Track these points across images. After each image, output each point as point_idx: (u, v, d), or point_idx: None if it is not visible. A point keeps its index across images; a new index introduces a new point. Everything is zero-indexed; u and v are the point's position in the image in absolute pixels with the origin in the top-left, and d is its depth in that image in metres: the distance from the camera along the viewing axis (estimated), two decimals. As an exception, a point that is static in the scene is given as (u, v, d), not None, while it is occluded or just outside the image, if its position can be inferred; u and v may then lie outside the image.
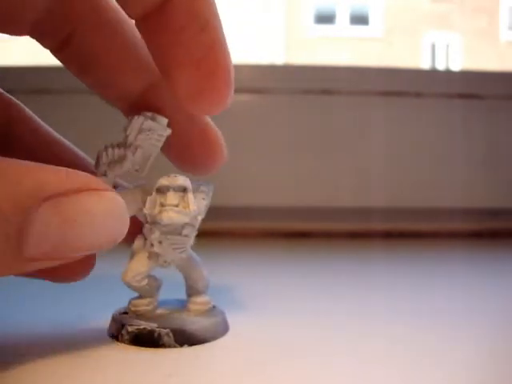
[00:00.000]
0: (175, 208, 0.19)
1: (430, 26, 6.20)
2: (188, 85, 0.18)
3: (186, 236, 0.19)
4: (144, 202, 0.19)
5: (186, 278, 0.21)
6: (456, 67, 5.85)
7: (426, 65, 6.16)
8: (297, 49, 6.06)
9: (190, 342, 0.19)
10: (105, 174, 0.19)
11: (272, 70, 0.48)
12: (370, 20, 6.33)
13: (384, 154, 0.45)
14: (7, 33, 0.19)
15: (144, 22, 0.18)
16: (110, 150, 0.19)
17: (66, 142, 0.22)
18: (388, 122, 0.45)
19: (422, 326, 0.22)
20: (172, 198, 0.19)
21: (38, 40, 0.20)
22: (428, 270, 0.34)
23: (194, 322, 0.20)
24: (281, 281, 0.30)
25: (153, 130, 0.19)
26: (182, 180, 0.19)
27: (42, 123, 0.22)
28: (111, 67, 0.20)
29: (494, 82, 0.46)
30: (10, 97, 0.21)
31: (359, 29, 6.29)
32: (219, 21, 0.18)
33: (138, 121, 0.19)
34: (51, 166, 0.15)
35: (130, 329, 0.19)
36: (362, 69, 0.47)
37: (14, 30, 0.19)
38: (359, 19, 6.34)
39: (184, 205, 0.19)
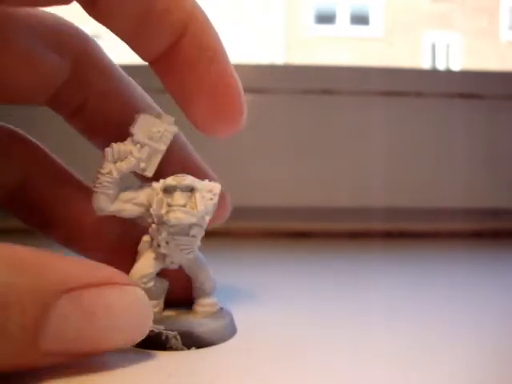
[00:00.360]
0: (182, 208, 0.18)
1: (431, 25, 6.20)
2: (204, 112, 0.19)
3: (193, 236, 0.19)
4: (150, 203, 0.19)
5: (193, 280, 0.21)
6: (456, 67, 5.85)
7: (426, 65, 6.17)
8: (297, 49, 6.06)
9: (197, 345, 0.19)
10: (110, 173, 0.19)
11: (272, 69, 0.48)
12: (371, 20, 6.33)
13: (384, 153, 0.45)
14: (25, 103, 0.21)
15: (157, 63, 0.19)
16: (115, 147, 0.19)
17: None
18: (388, 121, 0.45)
19: (422, 326, 0.22)
20: (179, 198, 0.19)
21: (54, 109, 0.21)
22: (428, 269, 0.34)
23: (201, 325, 0.19)
24: (281, 281, 0.30)
25: (159, 129, 0.19)
26: (190, 180, 0.19)
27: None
28: (120, 127, 0.20)
29: (494, 82, 0.46)
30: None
31: (359, 29, 6.29)
32: (225, 50, 0.19)
33: (143, 119, 0.19)
34: (73, 257, 0.16)
35: None
36: (363, 69, 0.47)
37: (34, 101, 0.21)
38: (359, 19, 6.34)
39: (191, 205, 0.19)
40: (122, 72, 0.21)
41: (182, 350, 0.19)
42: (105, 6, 0.17)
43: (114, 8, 0.18)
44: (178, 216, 0.18)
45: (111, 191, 0.19)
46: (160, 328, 0.19)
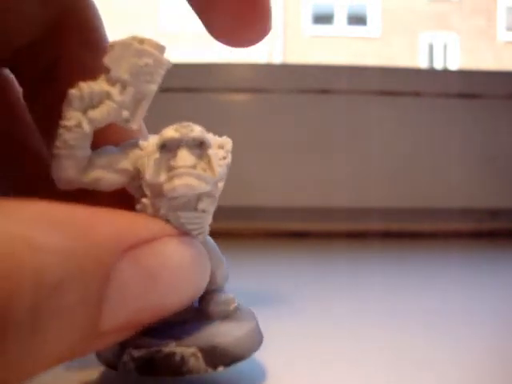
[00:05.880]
0: (193, 171, 0.13)
1: (428, 26, 6.22)
2: (225, 20, 0.16)
3: (203, 211, 0.14)
4: (138, 168, 0.14)
5: None
6: (453, 67, 5.87)
7: (423, 65, 6.18)
8: (295, 48, 6.07)
9: (224, 363, 0.14)
10: (79, 126, 0.13)
11: (270, 69, 0.48)
12: (368, 20, 6.35)
13: (383, 153, 0.45)
14: None
15: None
16: (85, 87, 0.13)
17: None
18: (386, 121, 0.45)
19: (422, 326, 0.22)
20: (186, 157, 0.13)
21: (13, 72, 0.18)
22: (427, 270, 0.34)
23: (223, 333, 0.14)
24: (281, 280, 0.30)
25: (147, 60, 0.13)
26: (199, 131, 0.13)
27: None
28: None
29: (493, 82, 0.46)
30: None
31: (357, 29, 6.30)
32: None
33: (123, 46, 0.13)
34: (120, 210, 0.12)
35: (136, 353, 0.14)
36: (361, 68, 0.47)
37: None
38: (357, 19, 6.35)
39: (203, 166, 0.13)
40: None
41: (205, 371, 0.13)
42: None
43: None
44: (188, 182, 0.13)
45: (81, 153, 0.13)
46: (170, 345, 0.14)
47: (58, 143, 0.13)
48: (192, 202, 0.14)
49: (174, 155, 0.13)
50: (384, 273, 0.32)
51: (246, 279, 0.29)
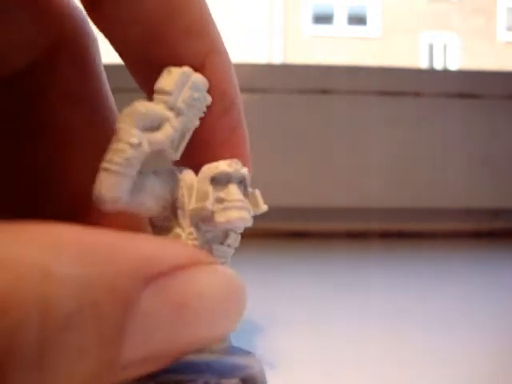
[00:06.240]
0: (246, 205, 0.14)
1: (428, 26, 6.21)
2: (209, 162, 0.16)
3: (228, 246, 0.15)
4: (176, 197, 0.14)
5: None
6: (453, 67, 5.87)
7: (423, 65, 6.18)
8: (295, 48, 6.07)
9: None
10: (140, 145, 0.12)
11: (270, 69, 0.48)
12: (368, 20, 6.35)
13: (382, 153, 0.45)
14: None
15: None
16: (148, 107, 0.13)
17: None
18: (387, 121, 0.45)
19: (422, 326, 0.22)
20: (236, 192, 0.14)
21: (7, 95, 0.17)
22: (427, 270, 0.33)
23: (251, 365, 0.14)
24: (281, 280, 0.30)
25: (200, 94, 0.14)
26: (246, 169, 0.14)
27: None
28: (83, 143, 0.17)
29: (493, 82, 0.46)
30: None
31: (357, 29, 6.30)
32: (240, 101, 0.16)
33: (182, 76, 0.13)
34: (147, 235, 0.12)
35: None
36: (361, 68, 0.47)
37: None
38: (357, 19, 6.35)
39: (248, 202, 0.14)
40: (106, 86, 0.18)
41: None
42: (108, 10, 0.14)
43: (120, 17, 0.14)
44: (243, 215, 0.13)
45: (134, 173, 0.12)
46: (211, 380, 0.13)
47: (113, 158, 0.12)
48: (220, 237, 0.14)
49: (225, 188, 0.13)
50: (384, 273, 0.32)
51: (245, 279, 0.29)
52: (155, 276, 0.10)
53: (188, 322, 0.11)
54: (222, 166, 0.14)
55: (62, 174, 0.17)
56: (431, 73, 0.55)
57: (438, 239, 0.44)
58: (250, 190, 0.14)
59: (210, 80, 0.15)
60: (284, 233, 0.44)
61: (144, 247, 0.11)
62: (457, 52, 6.20)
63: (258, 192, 0.14)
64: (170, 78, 0.13)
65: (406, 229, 0.45)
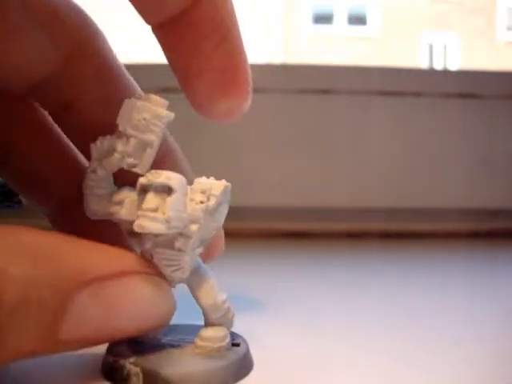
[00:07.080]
0: (150, 214, 0.15)
1: (428, 26, 6.22)
2: (207, 92, 0.18)
3: (179, 250, 0.15)
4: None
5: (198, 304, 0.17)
6: (453, 67, 5.86)
7: (423, 65, 6.18)
8: (295, 48, 6.07)
9: None
10: (95, 171, 0.16)
11: (270, 69, 0.48)
12: (368, 20, 6.35)
13: (382, 153, 0.45)
14: None
15: (162, 29, 0.17)
16: (98, 142, 0.16)
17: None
18: (387, 121, 0.45)
19: (421, 327, 0.22)
20: (150, 200, 0.15)
21: (39, 102, 0.19)
22: (427, 270, 0.34)
23: (177, 365, 0.16)
24: (281, 280, 0.30)
25: (144, 115, 0.16)
26: (165, 177, 0.15)
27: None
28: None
29: (493, 82, 0.46)
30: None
31: (357, 29, 6.30)
32: (239, 28, 0.17)
33: (127, 104, 0.16)
34: (96, 243, 0.15)
35: (107, 359, 0.16)
36: (361, 68, 0.47)
37: (10, 84, 0.18)
38: (357, 19, 6.35)
39: (164, 209, 0.15)
40: (126, 75, 0.19)
41: None
42: None
43: None
44: (141, 223, 0.15)
45: (101, 191, 0.16)
46: (125, 361, 0.16)
47: (83, 184, 0.17)
48: (169, 241, 0.15)
49: (144, 198, 0.15)
50: (383, 273, 0.32)
51: (245, 279, 0.29)
52: (91, 280, 0.14)
53: (113, 318, 0.14)
54: (142, 178, 0.15)
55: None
56: (431, 73, 0.55)
57: (437, 239, 0.44)
58: (172, 196, 0.15)
59: (206, 12, 0.16)
60: (284, 233, 0.44)
61: (87, 255, 0.14)
62: (457, 52, 6.20)
63: (174, 197, 0.15)
64: (121, 111, 0.16)
65: (405, 229, 0.45)
